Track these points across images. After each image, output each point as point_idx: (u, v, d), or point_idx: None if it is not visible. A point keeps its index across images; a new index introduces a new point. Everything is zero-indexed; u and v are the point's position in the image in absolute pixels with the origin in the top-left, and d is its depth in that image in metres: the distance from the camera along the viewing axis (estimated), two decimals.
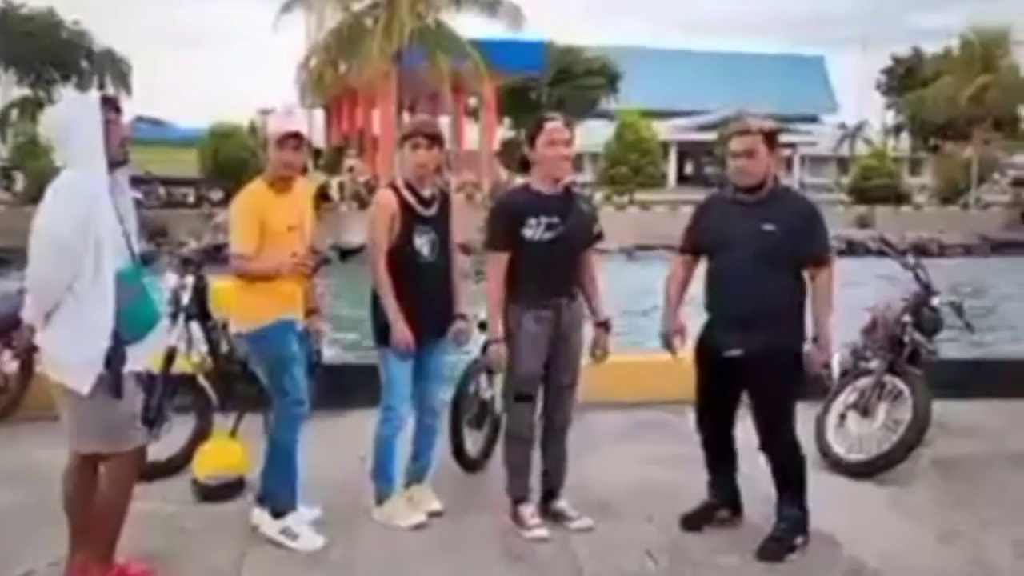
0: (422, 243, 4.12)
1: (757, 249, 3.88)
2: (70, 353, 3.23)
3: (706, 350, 4.12)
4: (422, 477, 4.42)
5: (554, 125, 4.06)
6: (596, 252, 4.31)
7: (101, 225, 3.21)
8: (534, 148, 4.06)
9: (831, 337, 4.06)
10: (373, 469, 4.28)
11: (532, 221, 4.01)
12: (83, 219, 3.17)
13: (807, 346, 4.02)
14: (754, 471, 4.21)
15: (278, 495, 4.07)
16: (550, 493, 4.31)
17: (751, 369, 3.95)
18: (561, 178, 4.09)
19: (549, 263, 4.03)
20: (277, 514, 4.04)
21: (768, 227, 3.88)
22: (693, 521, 4.26)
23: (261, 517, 4.08)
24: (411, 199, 4.12)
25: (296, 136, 3.97)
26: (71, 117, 3.32)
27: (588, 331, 4.27)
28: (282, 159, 3.97)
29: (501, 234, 4.05)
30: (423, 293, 4.12)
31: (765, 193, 3.96)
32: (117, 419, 3.34)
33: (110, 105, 3.33)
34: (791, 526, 4.02)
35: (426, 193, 4.17)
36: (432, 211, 4.17)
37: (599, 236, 4.26)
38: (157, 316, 3.53)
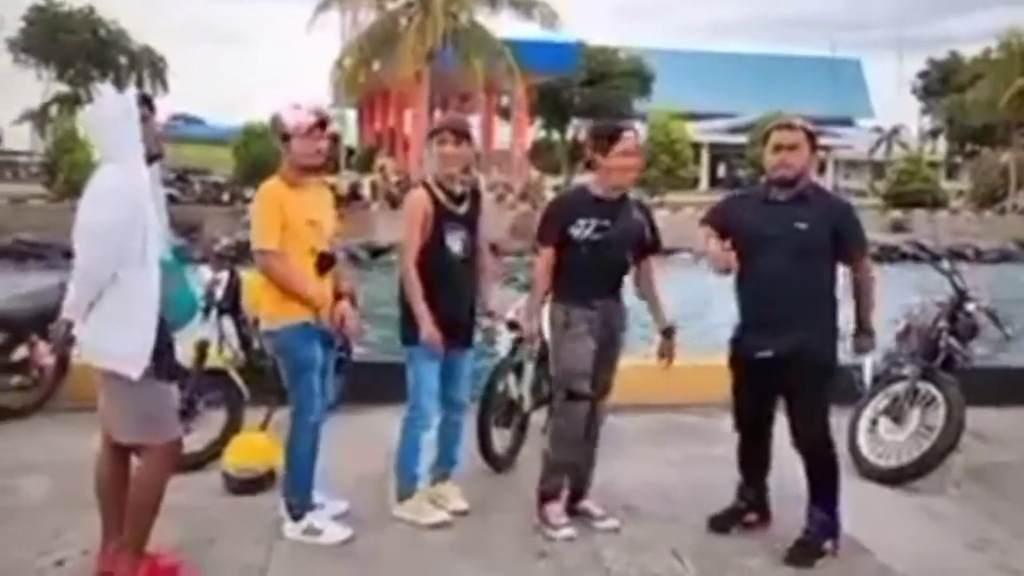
0: (453, 241, 4.13)
1: (789, 248, 3.86)
2: (118, 339, 3.30)
3: (739, 352, 4.11)
4: (449, 475, 4.43)
5: (630, 136, 4.11)
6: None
7: (144, 214, 3.30)
8: (606, 155, 4.07)
9: (873, 327, 4.09)
10: (396, 466, 4.29)
11: (581, 222, 4.07)
12: (127, 208, 3.25)
13: (849, 335, 4.06)
14: (785, 474, 4.18)
15: (293, 497, 4.07)
16: (578, 492, 4.31)
17: (784, 370, 3.92)
18: (624, 187, 4.12)
19: (594, 264, 4.09)
20: (296, 516, 4.04)
21: (800, 225, 3.87)
22: (721, 523, 4.24)
23: (286, 520, 4.08)
24: (443, 197, 4.13)
25: (322, 124, 3.95)
26: (110, 113, 3.39)
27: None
28: (312, 148, 3.91)
29: (548, 230, 4.14)
30: (453, 291, 4.13)
31: (798, 192, 3.94)
32: (159, 409, 3.41)
33: (145, 102, 3.42)
34: (820, 530, 3.99)
35: (457, 191, 4.18)
36: (464, 209, 4.18)
37: (656, 245, 4.27)
38: (197, 306, 3.60)
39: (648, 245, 4.25)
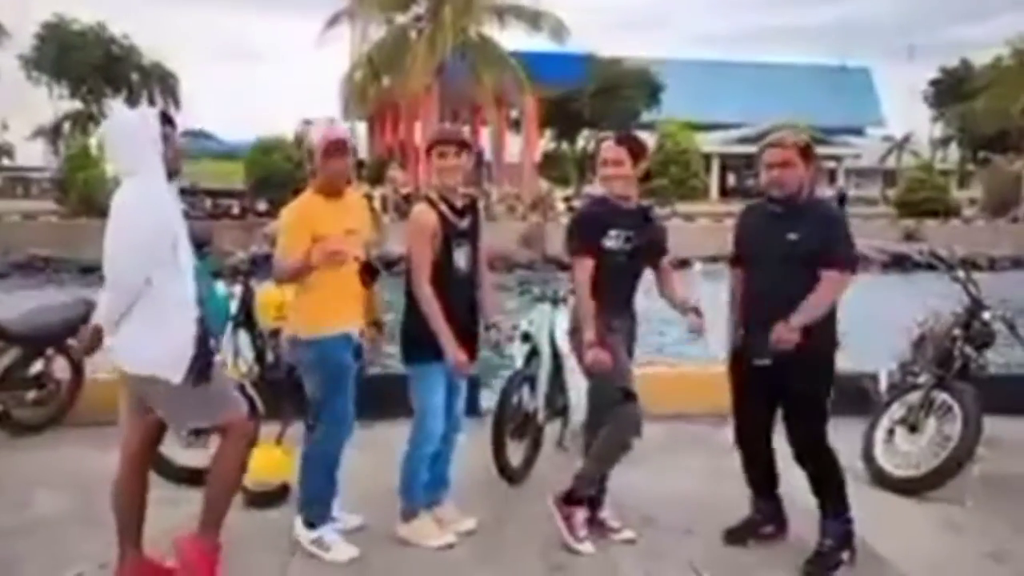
0: (459, 256, 4.08)
1: (781, 258, 3.90)
2: (156, 344, 3.34)
3: (738, 361, 4.12)
4: (445, 496, 4.33)
5: (606, 147, 4.21)
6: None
7: (172, 221, 3.35)
8: (596, 167, 4.23)
9: (802, 322, 3.81)
10: (401, 486, 4.20)
11: (613, 233, 4.10)
12: (154, 215, 3.31)
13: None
14: (794, 485, 4.16)
15: (312, 506, 4.07)
16: (593, 502, 4.29)
17: (782, 377, 3.92)
18: (620, 195, 4.16)
19: (625, 274, 4.17)
20: (311, 524, 4.04)
21: (792, 236, 3.90)
22: (737, 535, 4.22)
23: (300, 526, 4.09)
24: (448, 213, 4.07)
25: (342, 142, 3.99)
26: (131, 129, 3.43)
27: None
28: (332, 167, 3.97)
29: (585, 242, 4.14)
30: (457, 306, 4.07)
31: (793, 205, 3.95)
32: (212, 392, 3.46)
33: (167, 120, 3.47)
34: (836, 541, 3.97)
35: (459, 204, 4.13)
36: (466, 223, 4.14)
37: (665, 248, 4.38)
38: (229, 310, 3.64)
39: (666, 251, 4.36)
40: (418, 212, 4.10)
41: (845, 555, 3.95)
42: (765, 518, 4.25)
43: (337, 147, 3.97)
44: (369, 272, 4.09)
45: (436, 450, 4.18)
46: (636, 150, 4.15)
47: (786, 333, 3.81)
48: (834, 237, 3.93)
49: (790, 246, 3.89)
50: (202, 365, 3.38)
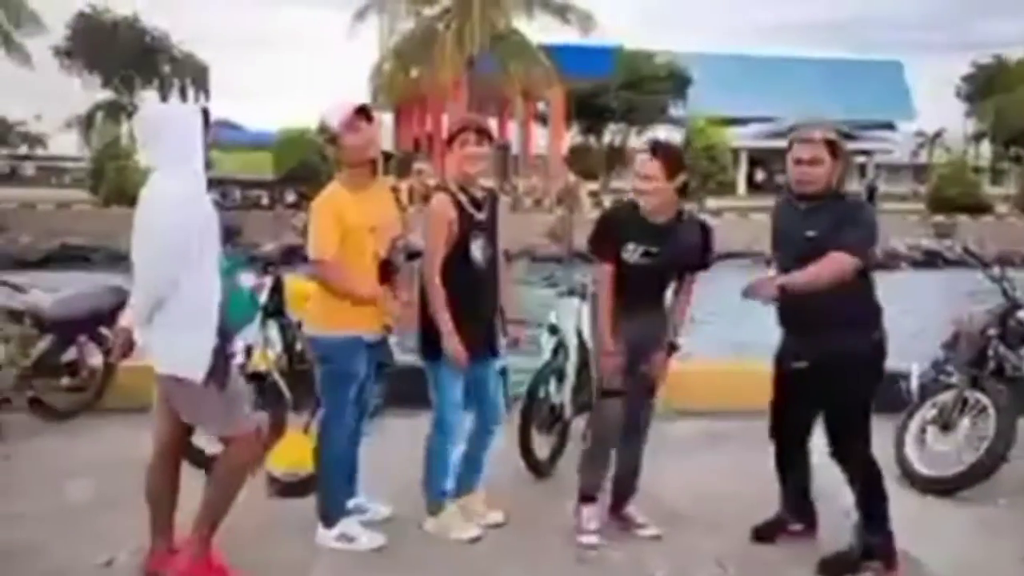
0: (476, 249, 4.04)
1: (802, 257, 3.77)
2: (180, 343, 3.36)
3: (778, 363, 4.08)
4: (475, 486, 4.34)
5: (642, 159, 4.05)
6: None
7: (204, 221, 3.37)
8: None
9: (779, 284, 3.72)
10: (424, 481, 4.21)
11: (630, 246, 4.01)
12: (182, 212, 3.32)
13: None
14: (834, 485, 4.11)
15: (323, 503, 4.07)
16: (621, 498, 4.28)
17: (819, 379, 3.86)
18: (655, 209, 4.03)
19: (639, 285, 4.07)
20: (327, 521, 4.04)
21: (810, 233, 3.79)
22: (765, 532, 4.19)
23: (319, 526, 4.07)
24: (467, 204, 4.03)
25: (364, 110, 3.89)
26: (175, 121, 3.46)
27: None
28: (362, 139, 3.86)
29: (605, 248, 4.08)
30: (477, 301, 4.05)
31: (820, 200, 3.83)
32: (230, 403, 3.48)
33: (205, 117, 3.50)
34: (862, 548, 3.90)
35: (478, 195, 4.09)
36: (484, 215, 4.09)
37: (705, 265, 4.18)
38: (256, 308, 3.65)
39: (692, 266, 4.18)
40: (436, 202, 4.06)
41: (872, 564, 3.87)
42: (794, 517, 4.22)
43: (360, 117, 3.86)
44: (386, 269, 4.00)
45: (469, 442, 4.21)
46: (671, 163, 3.97)
47: (763, 286, 3.70)
48: (850, 226, 3.78)
49: (808, 243, 3.78)
50: (220, 370, 3.39)
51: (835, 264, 3.69)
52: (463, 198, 4.02)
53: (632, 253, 4.01)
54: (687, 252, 4.12)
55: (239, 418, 3.55)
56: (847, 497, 4.01)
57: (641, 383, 4.17)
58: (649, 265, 4.03)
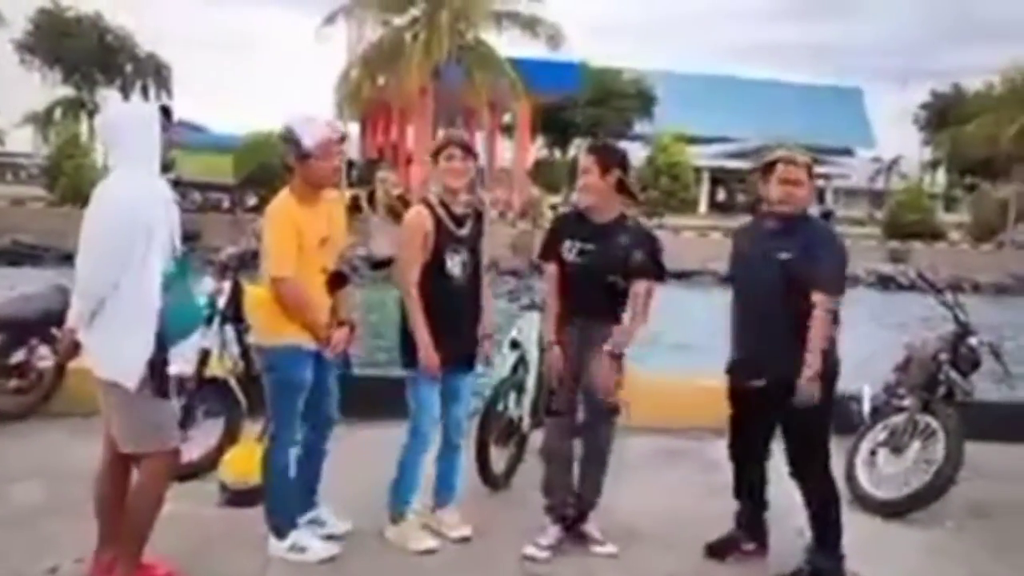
0: (453, 264, 4.06)
1: (772, 277, 3.87)
2: (117, 348, 3.29)
3: (734, 380, 4.11)
4: (449, 500, 4.36)
5: (583, 159, 4.24)
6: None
7: (151, 224, 3.29)
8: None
9: (818, 368, 3.80)
10: (392, 488, 4.21)
11: (567, 243, 4.14)
12: (127, 215, 3.25)
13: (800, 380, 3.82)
14: (788, 504, 4.15)
15: (273, 514, 4.01)
16: (580, 515, 4.28)
17: (778, 398, 3.89)
18: (591, 207, 4.15)
19: (577, 286, 4.13)
20: (278, 532, 3.98)
21: (784, 255, 3.87)
22: (717, 550, 4.21)
23: (271, 538, 4.01)
24: (445, 217, 4.07)
25: (341, 140, 3.90)
26: (133, 120, 3.41)
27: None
28: (331, 167, 3.86)
29: (547, 248, 4.27)
30: (453, 314, 4.07)
31: (787, 223, 3.94)
32: (160, 418, 3.41)
33: (166, 114, 3.44)
34: (815, 572, 3.94)
35: (459, 211, 4.12)
36: (465, 230, 4.12)
37: (642, 271, 4.11)
38: (199, 319, 3.56)
39: (632, 269, 4.10)
40: (412, 214, 4.12)
41: None
42: (747, 535, 4.25)
43: (337, 147, 3.88)
44: (337, 280, 4.00)
45: (440, 454, 4.25)
46: (605, 160, 4.10)
47: (809, 387, 3.79)
48: (825, 259, 3.90)
49: (780, 265, 3.87)
50: (156, 377, 3.31)
51: (828, 311, 3.84)
52: (442, 212, 4.06)
53: (569, 251, 4.13)
54: (623, 252, 4.10)
55: (163, 436, 3.43)
56: (800, 516, 4.05)
57: (595, 401, 4.16)
58: (584, 264, 4.10)
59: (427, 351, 4.01)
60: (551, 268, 4.21)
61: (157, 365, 3.32)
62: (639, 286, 4.12)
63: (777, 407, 3.94)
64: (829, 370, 3.93)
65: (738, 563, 4.17)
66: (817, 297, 3.82)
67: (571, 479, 4.26)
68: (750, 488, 4.24)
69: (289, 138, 3.84)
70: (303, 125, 3.84)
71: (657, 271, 4.18)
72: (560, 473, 4.24)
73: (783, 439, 4.06)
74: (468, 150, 4.15)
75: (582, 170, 4.15)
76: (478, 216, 4.23)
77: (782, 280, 3.86)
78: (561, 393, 4.21)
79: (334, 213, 4.03)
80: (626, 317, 4.17)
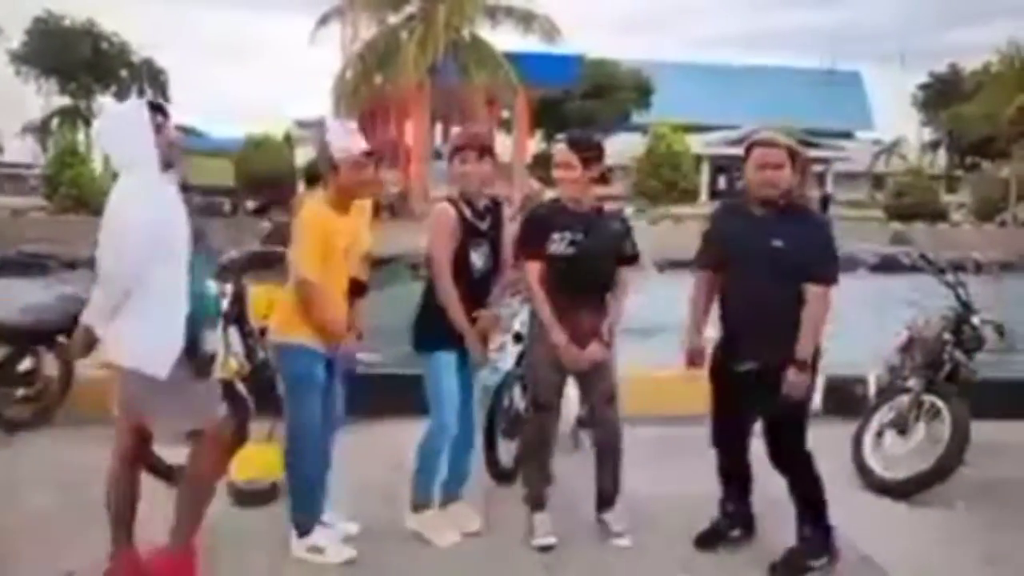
0: (476, 257, 4.12)
1: (766, 264, 3.84)
2: (146, 340, 3.31)
3: (719, 365, 4.10)
4: (459, 493, 4.39)
5: (557, 149, 4.24)
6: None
7: (167, 214, 3.33)
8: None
9: (808, 358, 3.82)
10: (415, 478, 4.24)
11: (556, 236, 4.09)
12: (147, 209, 3.29)
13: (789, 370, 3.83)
14: (779, 491, 4.13)
15: (298, 514, 4.05)
16: (601, 504, 4.31)
17: (763, 383, 3.88)
18: (572, 197, 4.16)
19: (571, 278, 4.09)
20: (302, 532, 4.02)
21: (777, 243, 3.83)
22: (706, 540, 4.21)
23: (292, 536, 4.04)
24: (468, 213, 4.12)
25: (370, 153, 3.96)
26: (124, 120, 3.43)
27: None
28: (361, 179, 3.92)
29: (532, 244, 4.15)
30: (475, 305, 4.12)
31: (777, 209, 3.90)
32: (199, 394, 3.45)
33: (158, 110, 3.42)
34: (808, 547, 3.96)
35: (481, 205, 4.17)
36: (487, 224, 4.18)
37: (633, 256, 4.24)
38: (217, 310, 3.60)
39: (624, 257, 4.22)
40: (438, 211, 4.19)
41: (818, 561, 3.93)
42: (733, 522, 4.25)
43: (366, 158, 3.92)
44: (358, 289, 4.10)
45: (455, 443, 4.24)
46: (586, 154, 4.13)
47: (797, 379, 3.79)
48: (822, 249, 3.89)
49: (775, 253, 3.82)
50: (198, 361, 3.36)
51: (824, 302, 3.83)
52: (464, 207, 4.12)
53: (559, 243, 4.08)
54: (614, 240, 4.18)
55: (209, 409, 3.51)
56: (784, 498, 4.04)
57: (597, 391, 4.20)
58: (577, 255, 4.08)
59: (472, 341, 4.09)
60: (534, 265, 4.13)
61: (199, 349, 3.37)
62: (627, 272, 4.22)
63: (761, 391, 3.89)
64: (815, 353, 3.91)
65: (728, 551, 4.16)
66: (811, 288, 3.81)
67: (549, 467, 4.32)
68: (734, 475, 4.23)
69: (322, 147, 3.90)
70: (337, 138, 3.88)
71: (636, 253, 4.27)
72: (538, 466, 4.29)
73: (763, 425, 4.02)
74: (483, 149, 4.16)
75: (563, 164, 4.13)
76: (498, 209, 4.27)
77: (775, 269, 3.82)
78: (548, 387, 4.21)
79: (361, 221, 4.12)
80: (612, 303, 4.20)
